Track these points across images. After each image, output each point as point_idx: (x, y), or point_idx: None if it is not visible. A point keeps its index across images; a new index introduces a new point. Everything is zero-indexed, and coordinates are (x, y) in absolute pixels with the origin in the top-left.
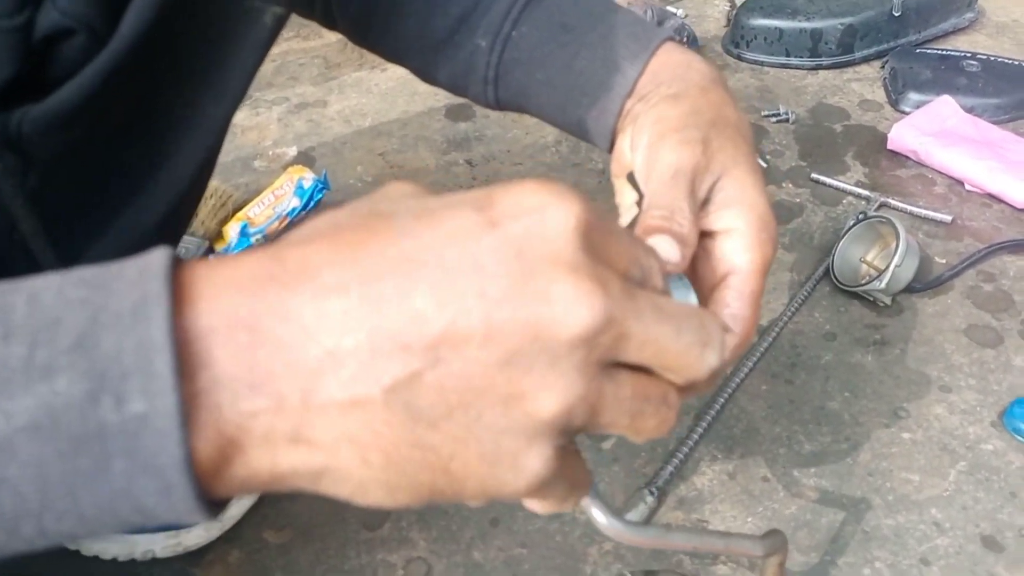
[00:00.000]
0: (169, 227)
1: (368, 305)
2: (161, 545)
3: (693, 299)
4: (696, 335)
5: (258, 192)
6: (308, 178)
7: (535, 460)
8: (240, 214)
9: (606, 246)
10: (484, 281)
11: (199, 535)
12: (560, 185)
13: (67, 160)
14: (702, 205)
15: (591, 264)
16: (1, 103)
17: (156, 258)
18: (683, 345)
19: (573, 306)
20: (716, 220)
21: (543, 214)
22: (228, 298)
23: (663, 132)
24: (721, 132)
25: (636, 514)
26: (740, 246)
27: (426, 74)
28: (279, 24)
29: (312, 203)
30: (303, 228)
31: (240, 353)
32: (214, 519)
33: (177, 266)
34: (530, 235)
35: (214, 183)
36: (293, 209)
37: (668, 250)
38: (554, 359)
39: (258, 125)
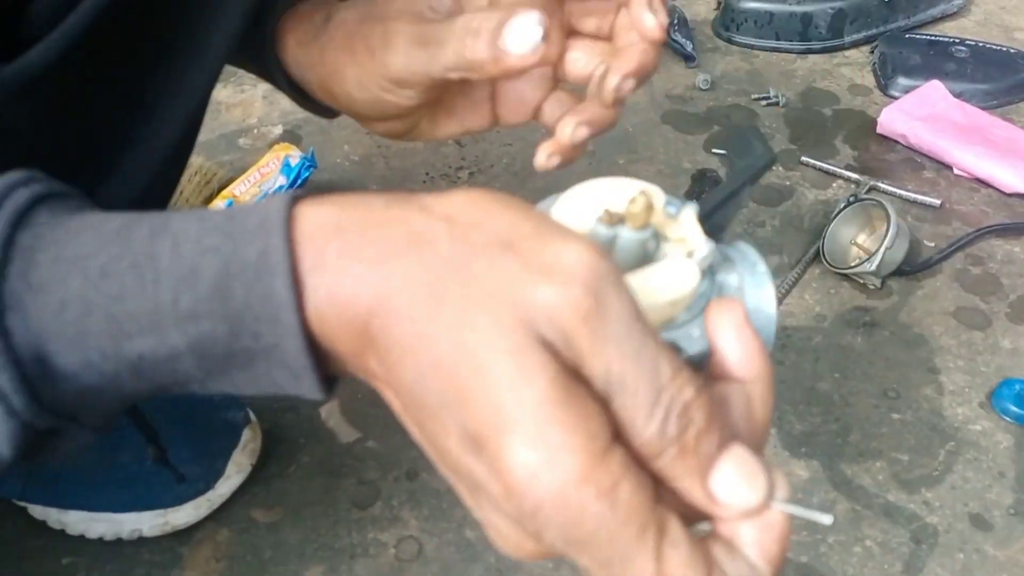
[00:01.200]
0: (148, 202)
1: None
2: (148, 524)
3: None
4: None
5: (243, 170)
6: (295, 155)
7: None
8: (225, 192)
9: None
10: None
11: (188, 514)
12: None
13: (39, 129)
14: None
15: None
16: None
17: (274, 209)
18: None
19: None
20: None
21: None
22: (342, 270)
23: None
24: None
25: None
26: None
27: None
28: None
29: (300, 181)
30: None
31: (353, 332)
32: (331, 393)
33: (294, 214)
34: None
35: (198, 160)
36: (280, 187)
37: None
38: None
39: (243, 102)
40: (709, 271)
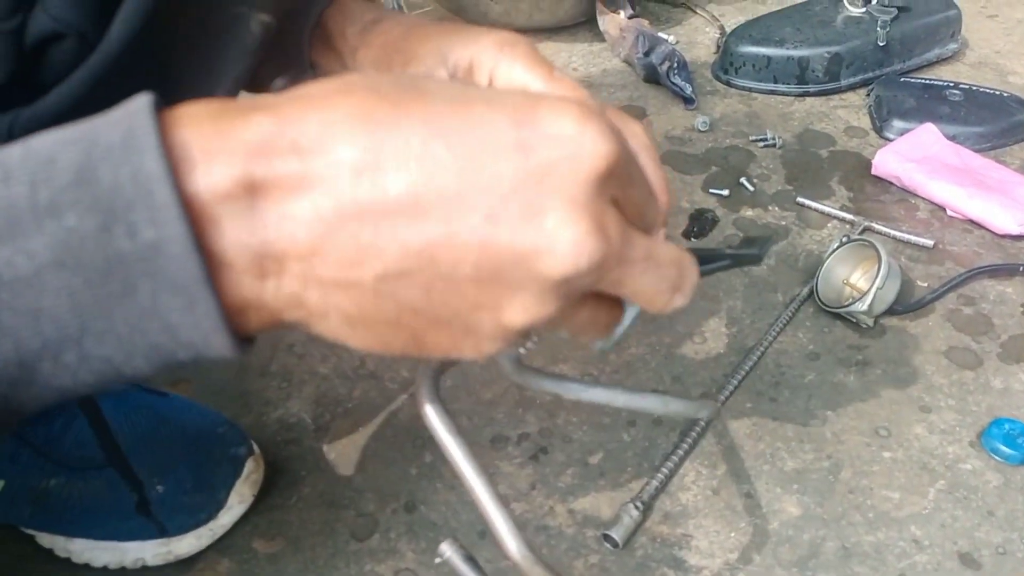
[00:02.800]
0: None
1: (376, 194)
2: (151, 553)
3: None
4: (672, 282)
5: None
6: None
7: (495, 347)
8: None
9: (624, 191)
10: (495, 203)
11: (190, 544)
12: (601, 118)
13: None
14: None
15: (601, 210)
16: None
17: (140, 97)
18: (658, 290)
19: (571, 248)
20: None
21: (575, 149)
22: (226, 160)
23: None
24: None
25: (621, 527)
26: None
27: None
28: (266, 31)
29: None
30: (334, 82)
31: (237, 178)
32: (239, 349)
33: (164, 107)
34: (554, 168)
35: None
36: None
37: None
38: (537, 289)
39: None
40: None
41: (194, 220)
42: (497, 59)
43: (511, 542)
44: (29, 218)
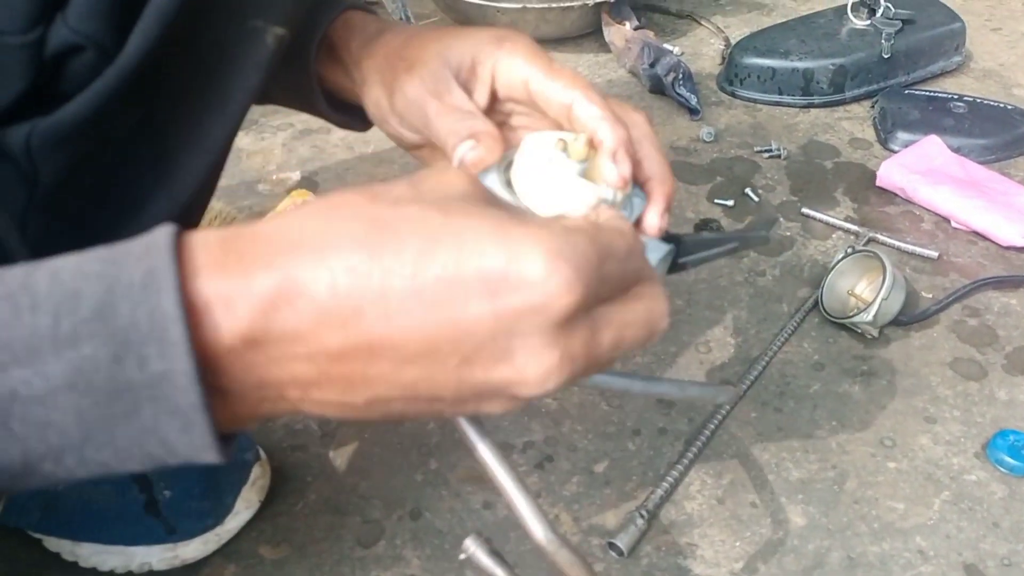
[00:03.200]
0: None
1: (364, 343)
2: (158, 558)
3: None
4: (644, 331)
5: (262, 215)
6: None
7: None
8: None
9: (599, 292)
10: (469, 349)
11: (196, 548)
12: (572, 253)
13: (71, 176)
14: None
15: (567, 342)
16: (12, 116)
17: (161, 233)
18: (629, 345)
19: (539, 379)
20: (552, 107)
21: (541, 296)
22: (234, 314)
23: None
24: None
25: (626, 536)
26: (598, 113)
27: None
28: (281, 45)
29: None
30: (327, 205)
31: (244, 330)
32: (225, 456)
33: (182, 239)
34: (522, 315)
35: (218, 205)
36: None
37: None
38: (513, 404)
39: (263, 150)
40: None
41: (200, 357)
42: (497, 56)
43: (537, 527)
44: (49, 345)
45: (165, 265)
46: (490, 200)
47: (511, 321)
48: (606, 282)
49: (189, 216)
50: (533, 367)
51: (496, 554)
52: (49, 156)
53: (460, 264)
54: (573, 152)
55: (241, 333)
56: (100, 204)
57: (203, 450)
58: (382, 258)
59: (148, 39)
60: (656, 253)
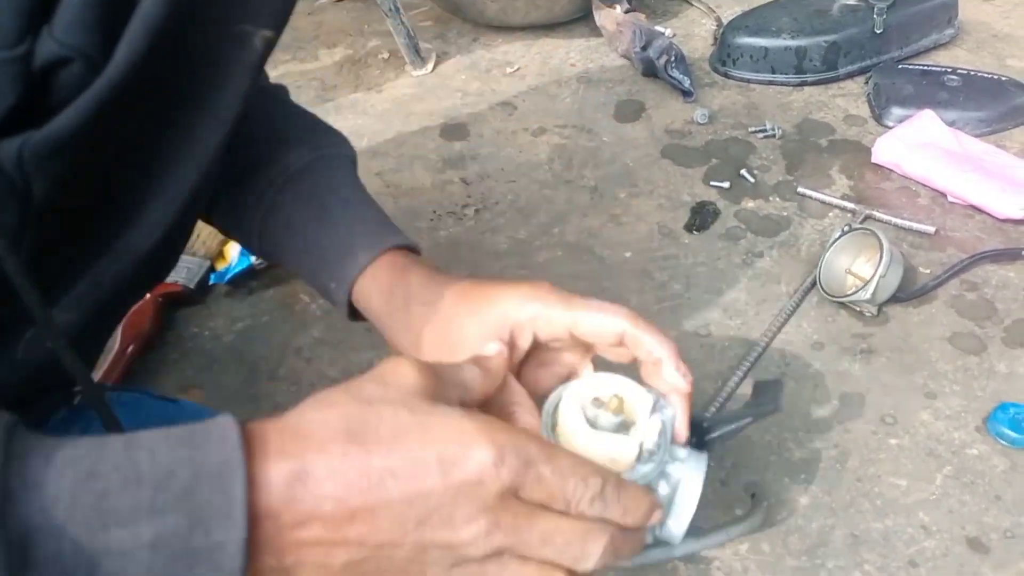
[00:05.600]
0: (167, 247)
1: (344, 515)
2: None
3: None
4: (573, 555)
5: None
6: None
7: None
8: None
9: (529, 487)
10: (423, 513)
11: None
12: (509, 449)
13: (65, 186)
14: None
15: (498, 513)
16: (3, 131)
17: (230, 428)
18: (558, 551)
19: (472, 540)
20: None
21: (478, 471)
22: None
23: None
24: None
25: None
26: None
27: (206, 209)
28: (269, 47)
29: None
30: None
31: (272, 505)
32: None
33: (244, 432)
34: (464, 487)
35: None
36: None
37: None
38: (455, 558)
39: None
40: (658, 457)
41: (251, 533)
42: (534, 320)
43: None
44: (146, 514)
45: (236, 459)
46: (439, 395)
47: (455, 491)
48: (542, 483)
49: (184, 219)
50: (468, 530)
51: None
52: (42, 169)
53: (424, 448)
54: (611, 406)
55: (267, 507)
56: (94, 215)
57: None
58: (366, 446)
59: (135, 49)
60: (699, 463)
